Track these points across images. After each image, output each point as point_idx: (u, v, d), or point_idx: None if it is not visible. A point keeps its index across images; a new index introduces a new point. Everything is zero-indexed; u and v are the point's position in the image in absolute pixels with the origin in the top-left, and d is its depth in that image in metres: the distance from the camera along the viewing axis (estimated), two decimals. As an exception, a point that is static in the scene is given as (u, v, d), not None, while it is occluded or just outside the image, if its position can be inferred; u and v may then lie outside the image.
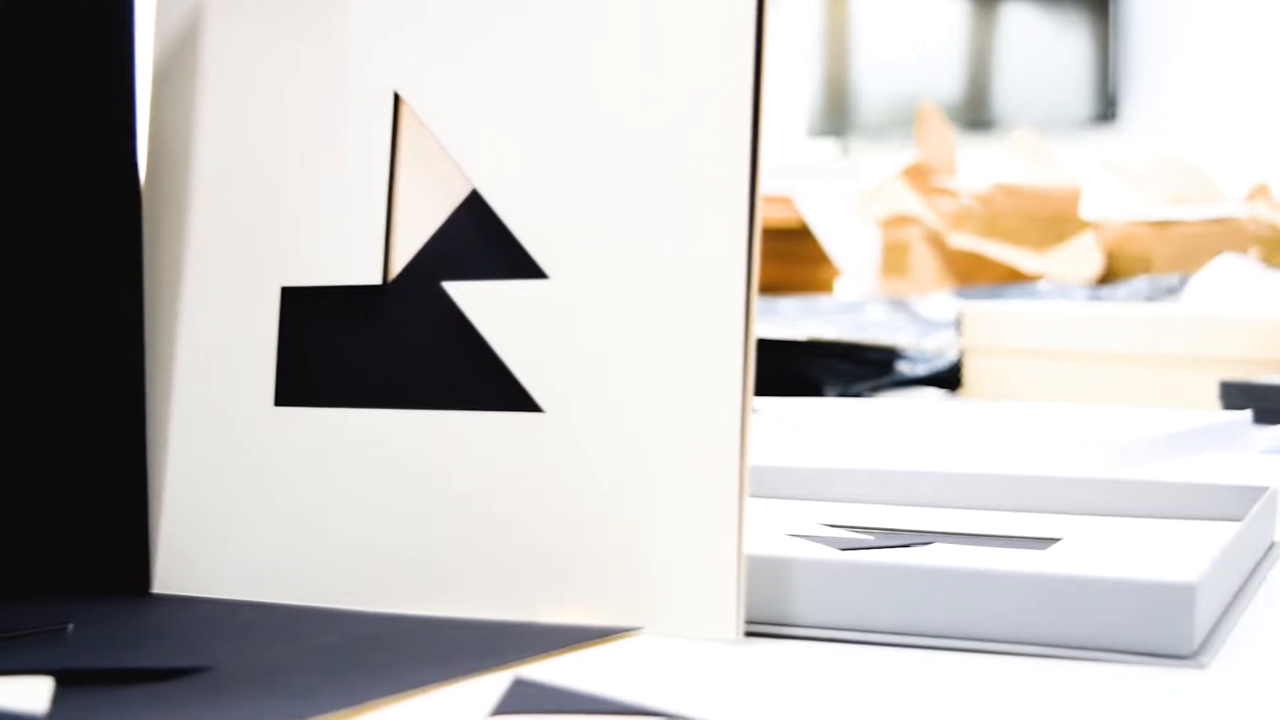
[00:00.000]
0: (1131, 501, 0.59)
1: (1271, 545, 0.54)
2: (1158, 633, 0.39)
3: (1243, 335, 1.21)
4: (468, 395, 0.46)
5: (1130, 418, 0.82)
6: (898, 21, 4.40)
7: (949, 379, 1.31)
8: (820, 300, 1.79)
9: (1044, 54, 4.21)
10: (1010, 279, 2.00)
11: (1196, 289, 1.62)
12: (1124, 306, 1.47)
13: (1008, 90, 4.24)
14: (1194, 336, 1.22)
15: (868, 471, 0.63)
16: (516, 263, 0.46)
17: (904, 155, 2.34)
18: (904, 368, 1.30)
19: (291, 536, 0.48)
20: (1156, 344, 1.22)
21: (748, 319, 0.42)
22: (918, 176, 2.22)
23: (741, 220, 0.43)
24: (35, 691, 0.36)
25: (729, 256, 0.43)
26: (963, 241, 2.09)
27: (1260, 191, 2.22)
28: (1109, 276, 1.98)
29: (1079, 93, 4.13)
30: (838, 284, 2.17)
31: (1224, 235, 1.94)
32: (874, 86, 4.42)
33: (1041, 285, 1.83)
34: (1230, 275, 1.62)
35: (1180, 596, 0.39)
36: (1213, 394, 1.06)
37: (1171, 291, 1.66)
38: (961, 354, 1.32)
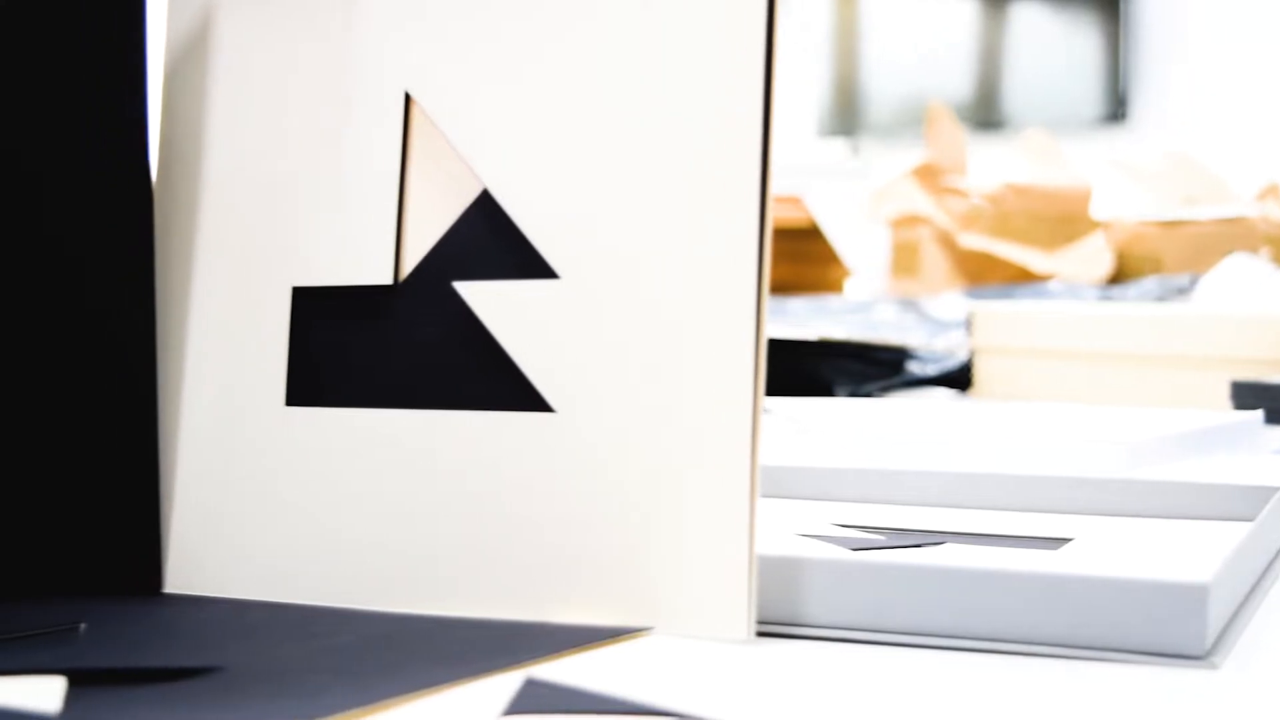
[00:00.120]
0: (1143, 502, 0.59)
1: (1283, 545, 0.54)
2: (1170, 633, 0.39)
3: (1254, 335, 1.21)
4: (478, 395, 0.46)
5: (1141, 418, 0.82)
6: (908, 21, 4.39)
7: (959, 379, 1.31)
8: (830, 300, 1.79)
9: (1054, 54, 4.20)
10: (1020, 279, 2.00)
11: (1207, 289, 1.62)
12: (1135, 306, 1.46)
13: (1018, 90, 4.24)
14: (1205, 336, 1.21)
15: (879, 471, 0.62)
16: (527, 262, 0.46)
17: (914, 155, 2.34)
18: (914, 368, 1.30)
19: (302, 536, 0.48)
20: (1167, 344, 1.22)
21: (759, 319, 0.42)
22: (928, 176, 2.22)
23: (752, 220, 0.43)
24: (48, 691, 0.36)
25: (740, 256, 0.43)
26: (973, 241, 2.09)
27: (1271, 191, 2.21)
28: (1119, 276, 1.98)
29: (1089, 92, 4.12)
30: (848, 284, 2.17)
31: (1235, 235, 1.94)
32: (884, 86, 4.41)
33: (1052, 285, 1.83)
34: (1241, 275, 1.62)
35: (1193, 597, 0.39)
36: (1224, 394, 1.06)
37: (1182, 291, 1.66)
38: (972, 354, 1.32)
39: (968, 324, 1.36)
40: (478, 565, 0.45)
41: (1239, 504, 0.57)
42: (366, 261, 0.48)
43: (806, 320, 1.50)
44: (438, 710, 0.35)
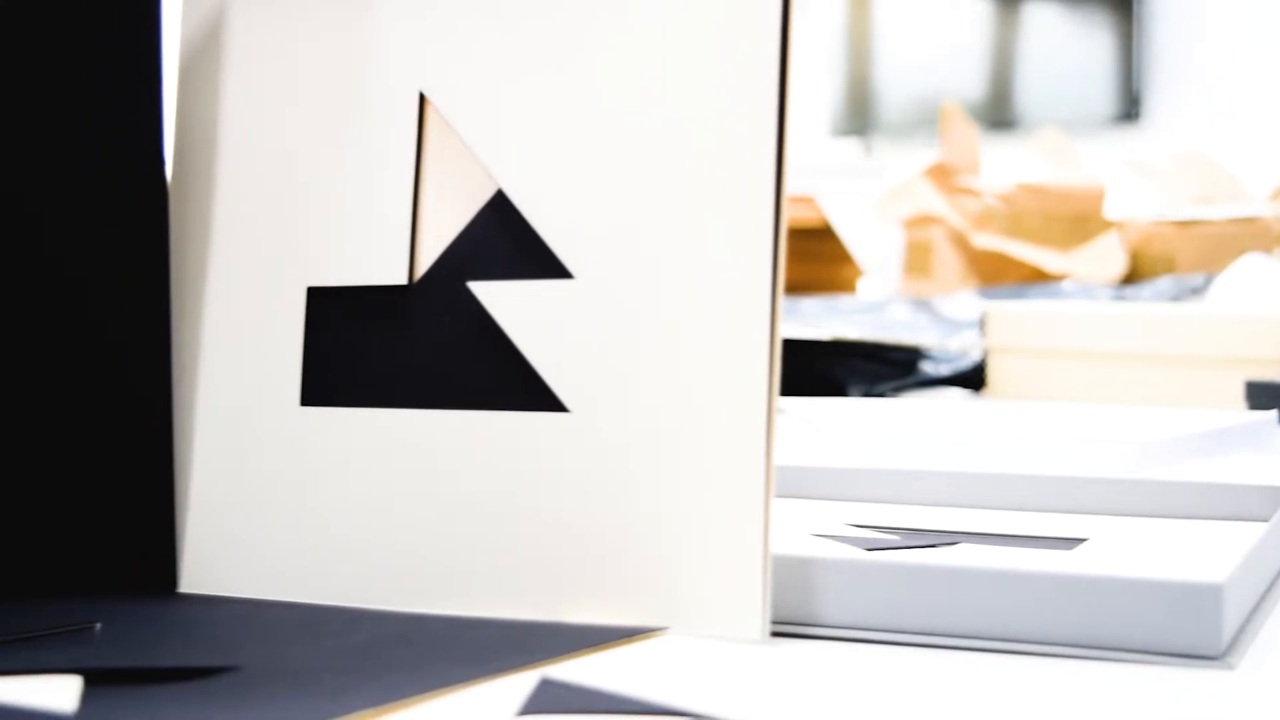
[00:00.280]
0: (1157, 502, 0.58)
1: (1299, 545, 0.54)
2: (1186, 633, 0.39)
3: (1268, 335, 1.21)
4: (493, 395, 0.46)
5: (1155, 418, 0.82)
6: (921, 21, 4.39)
7: (973, 379, 1.31)
8: (843, 300, 1.79)
9: (1067, 53, 4.19)
10: (1034, 279, 2.00)
11: (1221, 289, 1.61)
12: (1148, 306, 1.46)
13: (1031, 90, 4.23)
14: (1219, 336, 1.21)
15: (892, 471, 0.62)
16: (542, 262, 0.46)
17: (927, 155, 2.34)
18: (928, 368, 1.30)
19: (317, 536, 0.48)
20: (1181, 344, 1.22)
21: (773, 318, 0.42)
22: (941, 176, 2.22)
23: (767, 220, 0.43)
24: (64, 690, 0.36)
25: (755, 256, 0.43)
26: (986, 241, 2.09)
27: (1285, 191, 2.21)
28: (1133, 276, 1.98)
29: (1103, 92, 4.12)
30: (861, 284, 2.17)
31: (1249, 235, 1.93)
32: (897, 86, 4.41)
33: (1066, 285, 1.82)
34: (1255, 275, 1.61)
35: (1208, 597, 0.39)
36: (1238, 394, 1.05)
37: (1196, 291, 1.65)
38: (985, 354, 1.32)
39: (981, 324, 1.36)
40: (492, 565, 0.45)
41: (1254, 504, 0.57)
42: (381, 261, 0.48)
43: (819, 320, 1.50)
44: (453, 710, 0.35)
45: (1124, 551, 0.50)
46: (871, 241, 2.17)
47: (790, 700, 0.36)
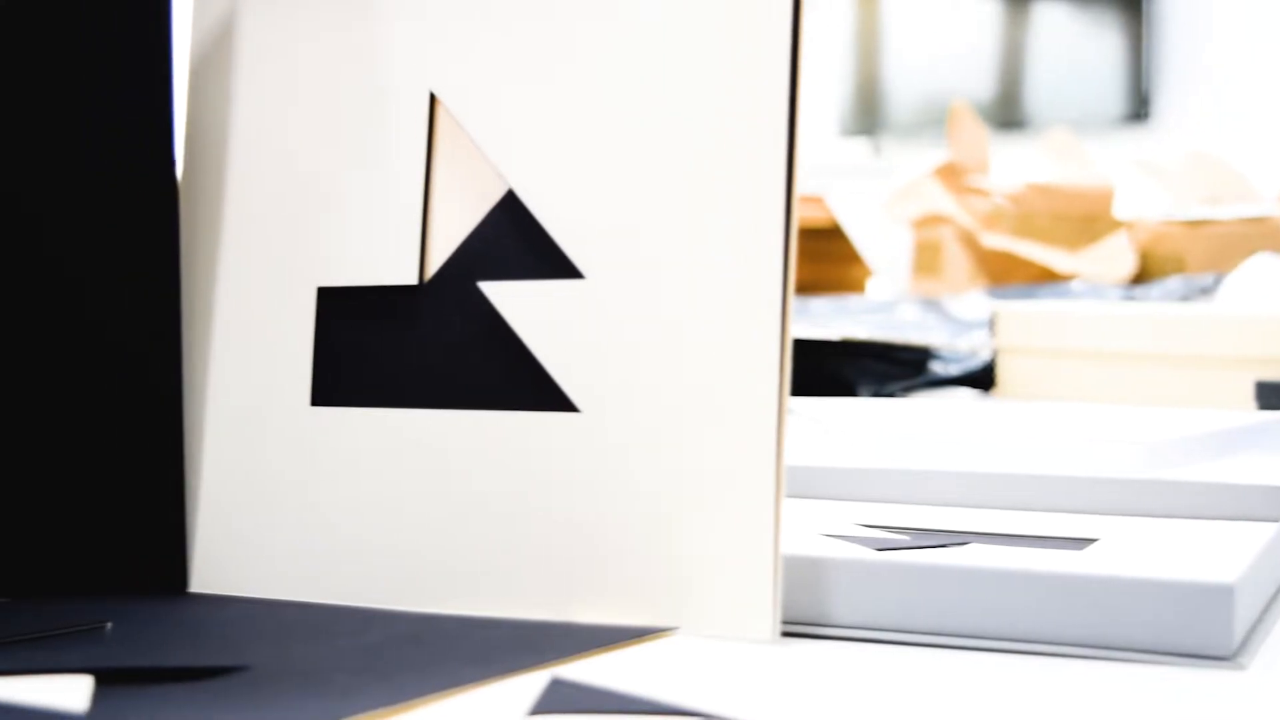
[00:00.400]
0: (1167, 502, 0.58)
1: (1309, 546, 0.54)
2: (1197, 633, 0.39)
3: (1278, 335, 1.20)
4: (504, 395, 0.46)
5: (1165, 418, 0.82)
6: (930, 21, 4.38)
7: (982, 379, 1.31)
8: (852, 300, 1.79)
9: (1077, 53, 4.19)
10: (1043, 279, 1.99)
11: (1231, 289, 1.61)
12: (1158, 306, 1.46)
13: (1040, 89, 4.23)
14: (1229, 336, 1.21)
15: (902, 471, 0.62)
16: (552, 263, 0.46)
17: (936, 155, 2.33)
18: (937, 368, 1.30)
19: (328, 536, 0.48)
20: (1191, 344, 1.22)
21: (784, 318, 0.42)
22: (950, 176, 2.22)
23: (778, 220, 0.43)
24: (75, 689, 0.36)
25: (765, 256, 0.43)
26: (995, 241, 2.09)
27: (1294, 190, 2.21)
28: (1143, 276, 1.97)
29: (1112, 92, 4.11)
30: (870, 284, 2.17)
31: (1258, 234, 1.93)
32: (906, 86, 4.41)
33: (1075, 285, 1.82)
34: (1265, 275, 1.61)
35: (1219, 597, 0.39)
36: (1248, 394, 1.05)
37: (1206, 291, 1.65)
38: (995, 354, 1.32)
39: (990, 324, 1.36)
40: (503, 565, 0.45)
41: (1264, 504, 0.57)
42: (391, 262, 0.48)
43: (829, 320, 1.50)
44: (464, 710, 0.35)
45: (1134, 552, 0.50)
46: (880, 241, 2.17)
47: (801, 700, 0.36)
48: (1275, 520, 0.56)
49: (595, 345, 0.45)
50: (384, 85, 0.49)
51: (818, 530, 0.54)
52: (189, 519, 0.50)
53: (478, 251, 0.47)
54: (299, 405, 0.49)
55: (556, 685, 0.37)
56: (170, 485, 0.50)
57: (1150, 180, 2.26)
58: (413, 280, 0.48)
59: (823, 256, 2.10)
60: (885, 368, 1.27)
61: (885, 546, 0.50)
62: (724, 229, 0.43)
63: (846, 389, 1.23)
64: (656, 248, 0.44)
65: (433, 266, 0.48)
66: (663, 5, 0.45)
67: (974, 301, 1.63)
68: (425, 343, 0.48)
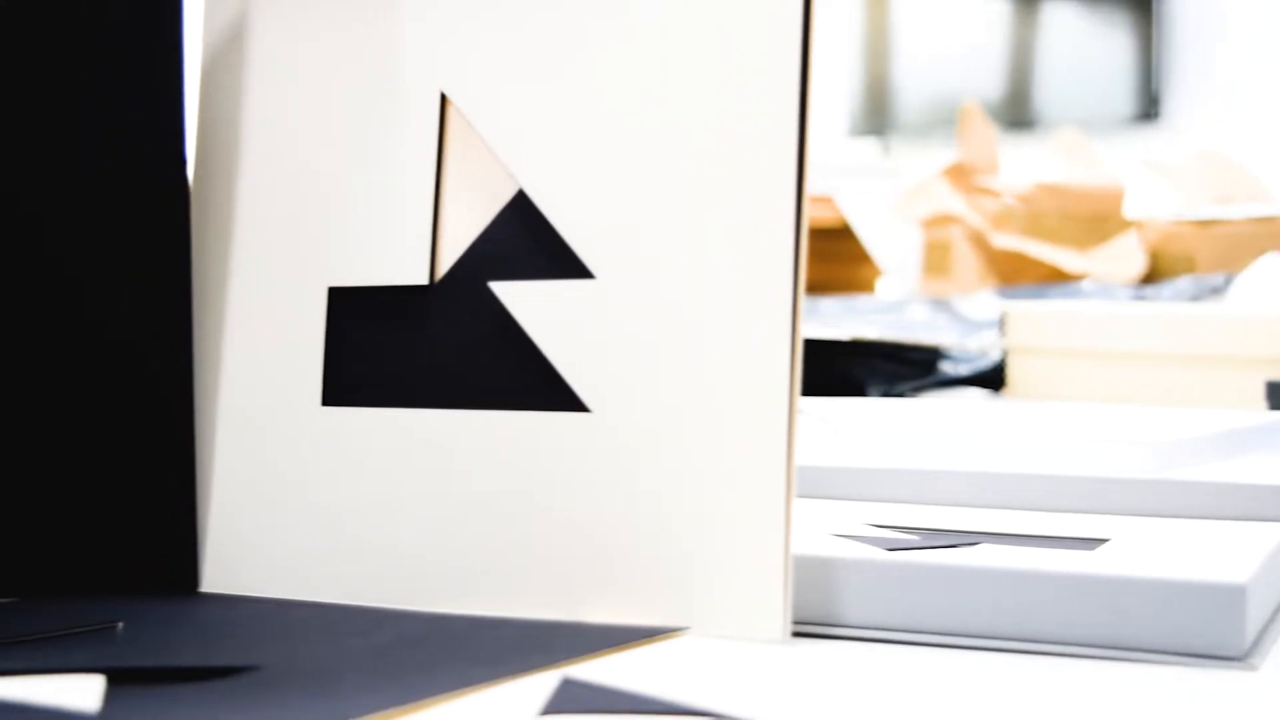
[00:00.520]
0: (1178, 502, 0.58)
1: (1321, 546, 0.54)
2: (1208, 634, 0.39)
3: (1288, 335, 1.20)
4: (514, 395, 0.46)
5: (1175, 418, 0.82)
6: (939, 20, 4.38)
7: (992, 379, 1.31)
8: (862, 300, 1.78)
9: (1086, 53, 4.18)
10: (1053, 279, 1.99)
11: (1241, 288, 1.61)
12: (1168, 306, 1.46)
13: (1050, 89, 4.22)
14: (1239, 336, 1.21)
15: (912, 472, 0.62)
16: (563, 263, 0.46)
17: (945, 154, 2.33)
18: (947, 368, 1.30)
19: (338, 536, 0.48)
20: (1201, 344, 1.22)
21: (795, 318, 0.42)
22: (959, 176, 2.21)
23: (788, 220, 0.43)
24: (87, 689, 0.36)
25: (776, 256, 0.43)
26: (1005, 241, 2.08)
27: (1306, 190, 2.20)
28: (1153, 276, 1.97)
29: (1122, 91, 4.11)
30: (879, 284, 2.16)
31: (1269, 234, 1.93)
32: (915, 85, 4.40)
33: (1085, 285, 1.82)
34: (1275, 274, 1.61)
35: (1231, 597, 0.39)
36: (1258, 394, 1.05)
37: (1216, 291, 1.65)
38: (1005, 354, 1.32)
39: (1000, 324, 1.36)
40: (513, 565, 0.45)
41: (1275, 505, 0.57)
42: (402, 262, 0.48)
43: (838, 320, 1.49)
44: (475, 710, 0.35)
45: (1145, 552, 0.50)
46: (890, 241, 2.17)
47: (811, 700, 0.36)
48: (1286, 520, 0.56)
49: (606, 345, 0.45)
50: (395, 85, 0.49)
51: (828, 530, 0.53)
52: (199, 519, 0.50)
53: (488, 251, 0.47)
54: (309, 405, 0.49)
55: (567, 685, 0.37)
56: (180, 485, 0.50)
57: (1160, 180, 2.25)
58: (423, 280, 0.48)
59: (832, 256, 2.09)
60: (895, 368, 1.27)
61: (896, 546, 0.50)
62: (735, 229, 0.43)
63: (856, 389, 1.23)
64: (667, 248, 0.44)
65: (443, 266, 0.48)
66: (673, 5, 0.45)
67: (984, 301, 1.63)
68: (436, 343, 0.48)
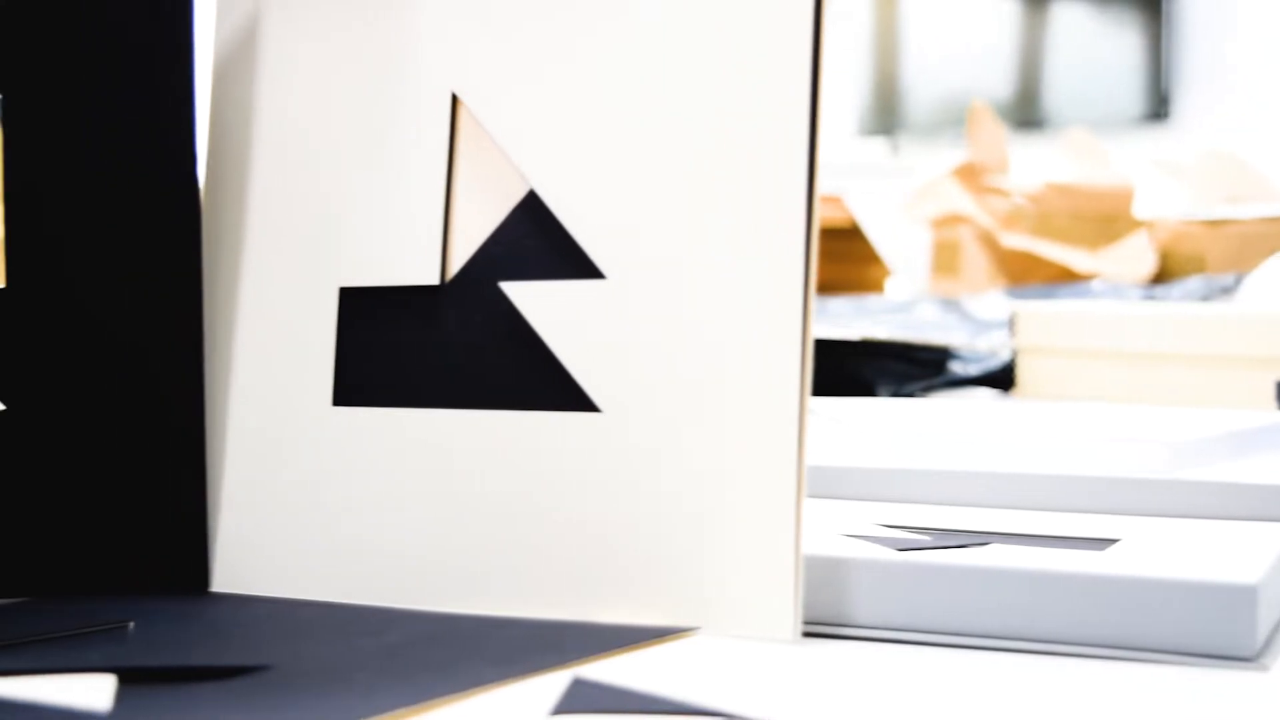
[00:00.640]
0: (1189, 502, 0.58)
1: (1331, 546, 0.54)
2: (1219, 634, 0.39)
3: (1299, 335, 1.20)
4: (525, 395, 0.46)
5: (1186, 418, 0.82)
6: (948, 20, 4.38)
7: (1002, 379, 1.31)
8: (871, 300, 1.78)
9: (1096, 52, 4.18)
10: (1063, 279, 1.99)
11: (1252, 288, 1.60)
12: (1179, 306, 1.46)
13: (1059, 89, 4.22)
14: (1249, 336, 1.20)
15: (923, 472, 0.62)
16: (574, 263, 0.46)
17: (955, 154, 2.33)
18: (957, 368, 1.30)
19: (349, 536, 0.48)
20: (1212, 344, 1.21)
21: (805, 318, 0.42)
22: (969, 176, 2.21)
23: (799, 219, 0.43)
24: (98, 689, 0.36)
25: (787, 256, 0.43)
26: (1015, 241, 2.08)
27: (1316, 190, 2.20)
28: (1163, 276, 1.97)
29: (1131, 91, 4.10)
30: (889, 284, 2.16)
31: (1279, 234, 1.93)
32: (924, 85, 4.40)
33: (1095, 285, 1.82)
34: (1286, 274, 1.61)
35: (1242, 598, 0.39)
36: (1269, 394, 1.05)
37: (1226, 291, 1.65)
38: (1014, 354, 1.32)
39: (1010, 324, 1.36)
40: (524, 565, 0.45)
41: (1286, 505, 0.57)
42: (413, 262, 0.48)
43: (848, 320, 1.49)
44: (486, 710, 0.35)
45: (1156, 552, 0.50)
46: (899, 241, 2.17)
47: (822, 701, 0.36)
48: (1297, 521, 0.56)
49: (616, 345, 0.45)
50: (406, 86, 0.49)
51: (839, 530, 0.53)
52: (211, 519, 0.51)
53: (499, 252, 0.47)
54: (320, 405, 0.50)
55: (578, 685, 0.37)
56: (192, 485, 0.50)
57: (1170, 180, 2.25)
58: (434, 280, 0.48)
59: (842, 256, 2.09)
60: (905, 368, 1.26)
61: (906, 547, 0.50)
62: (745, 229, 0.43)
63: (866, 389, 1.22)
64: (678, 248, 0.44)
65: (454, 267, 0.48)
66: (684, 5, 0.45)
67: (993, 301, 1.63)
68: (446, 343, 0.48)
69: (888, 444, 0.72)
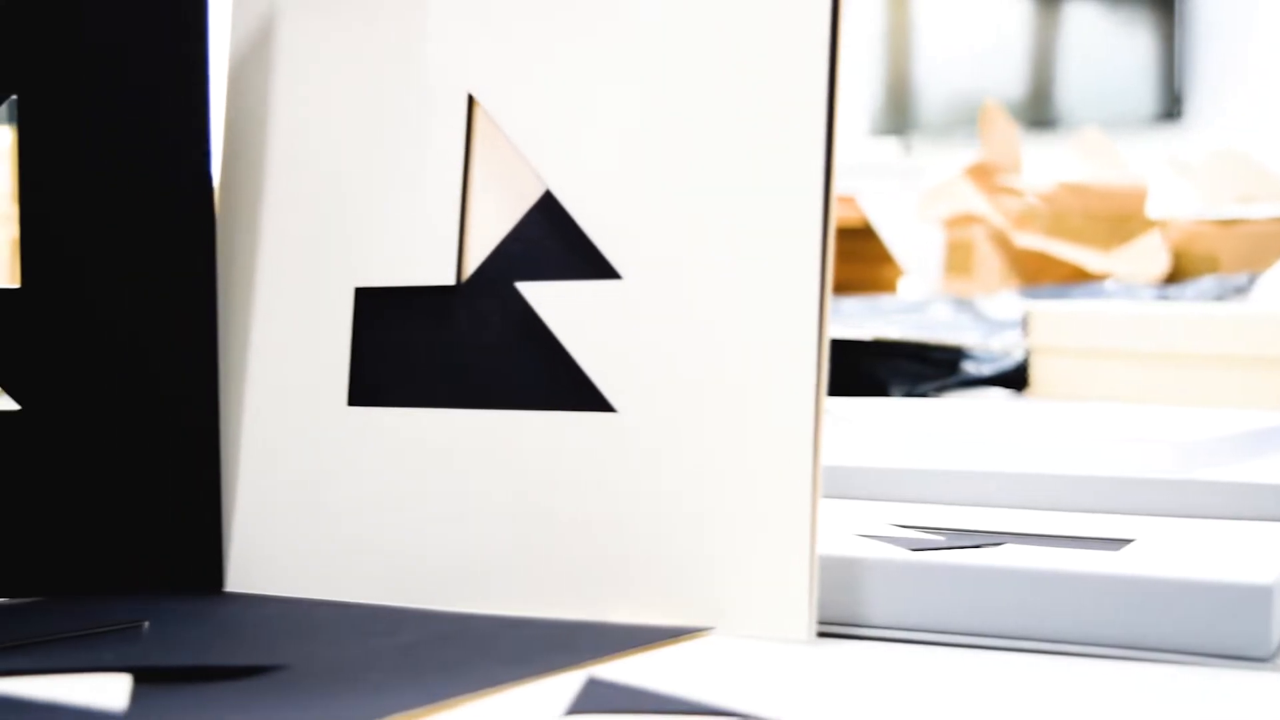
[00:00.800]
0: (1203, 502, 0.58)
1: (1346, 547, 0.54)
2: (1234, 634, 0.39)
3: (1313, 335, 1.20)
4: (541, 395, 0.46)
5: (1200, 418, 0.82)
6: (960, 19, 4.37)
7: (1016, 379, 1.31)
8: (884, 300, 1.78)
9: (1109, 52, 4.17)
10: (1076, 278, 1.98)
11: (1265, 288, 1.60)
12: (1192, 306, 1.45)
13: (1072, 88, 4.21)
14: (1263, 336, 1.20)
15: (936, 472, 0.62)
16: (590, 263, 0.46)
17: (967, 154, 2.32)
18: (970, 368, 1.29)
19: (364, 536, 0.48)
20: (1225, 344, 1.21)
21: (821, 318, 0.42)
22: (982, 175, 2.21)
23: (815, 220, 0.43)
24: (114, 688, 0.36)
25: (803, 256, 0.43)
26: (1028, 241, 2.08)
27: (1330, 190, 2.19)
28: (1176, 276, 1.96)
29: (1144, 91, 4.10)
30: (902, 284, 2.16)
31: (1293, 234, 1.92)
32: (937, 85, 4.40)
33: (1108, 285, 1.81)
34: (1299, 274, 1.60)
35: (1257, 598, 0.39)
36: (1283, 394, 1.05)
37: (1240, 291, 1.64)
38: (1028, 354, 1.31)
39: (1023, 324, 1.36)
40: (539, 565, 0.45)
41: (1300, 505, 0.57)
42: (429, 262, 0.48)
43: (861, 320, 1.49)
44: (500, 710, 0.35)
45: (1170, 552, 0.50)
46: (912, 241, 2.17)
47: (837, 701, 0.36)
48: (1312, 521, 0.56)
49: (632, 345, 0.45)
50: (422, 86, 0.49)
51: (853, 530, 0.53)
52: (225, 518, 0.51)
53: (515, 252, 0.48)
54: (336, 405, 0.50)
55: (593, 685, 0.37)
56: (207, 485, 0.51)
57: (1183, 179, 2.25)
58: (450, 281, 0.48)
59: (854, 256, 2.09)
60: (918, 368, 1.26)
61: (920, 547, 0.50)
62: (761, 229, 0.43)
63: (879, 389, 1.22)
64: (694, 248, 0.44)
65: (470, 267, 0.48)
66: (701, 6, 0.45)
67: (1007, 301, 1.62)
68: (462, 343, 0.48)
69: (901, 444, 0.72)
